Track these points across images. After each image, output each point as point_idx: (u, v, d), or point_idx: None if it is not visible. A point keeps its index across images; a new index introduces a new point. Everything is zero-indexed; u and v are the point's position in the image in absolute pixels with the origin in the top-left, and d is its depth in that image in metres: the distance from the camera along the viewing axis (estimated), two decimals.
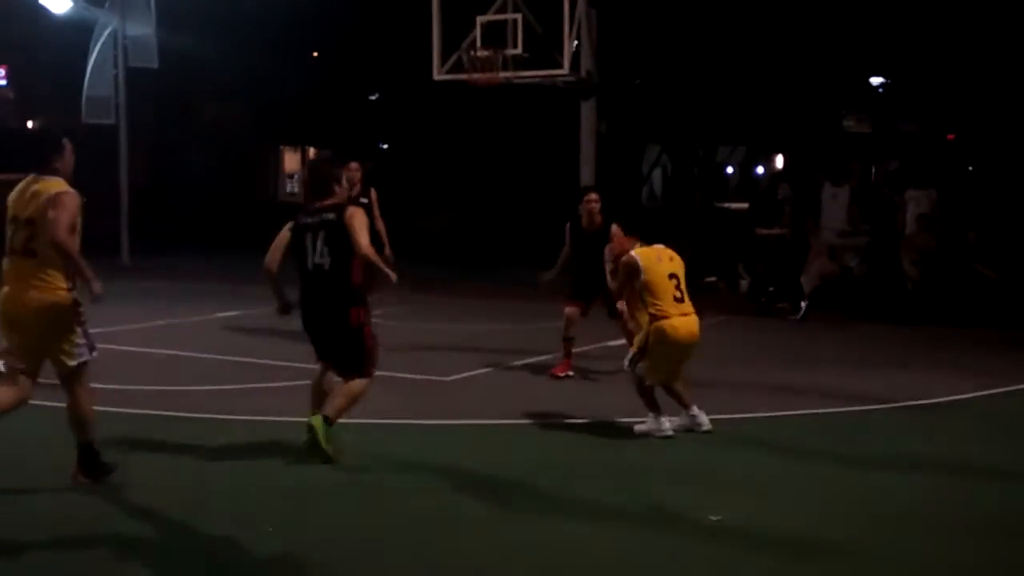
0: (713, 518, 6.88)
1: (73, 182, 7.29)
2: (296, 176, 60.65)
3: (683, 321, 8.93)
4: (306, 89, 39.86)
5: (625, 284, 9.24)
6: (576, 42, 17.94)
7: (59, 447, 7.60)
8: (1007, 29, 24.12)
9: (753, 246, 18.71)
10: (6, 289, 7.17)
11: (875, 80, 32.30)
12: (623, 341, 10.84)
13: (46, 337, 7.10)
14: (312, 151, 58.64)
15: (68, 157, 7.35)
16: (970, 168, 27.87)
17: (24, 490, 7.44)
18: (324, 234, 7.95)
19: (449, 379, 11.34)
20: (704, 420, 9.10)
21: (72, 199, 7.08)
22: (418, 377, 11.35)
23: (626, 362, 9.16)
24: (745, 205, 25.97)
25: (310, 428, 7.87)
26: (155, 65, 24.07)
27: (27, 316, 7.06)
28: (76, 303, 7.11)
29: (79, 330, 7.15)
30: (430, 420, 9.63)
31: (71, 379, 7.23)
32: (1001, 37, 24.42)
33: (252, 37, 35.84)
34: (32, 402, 7.40)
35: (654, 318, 8.91)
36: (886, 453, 8.58)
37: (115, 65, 24.15)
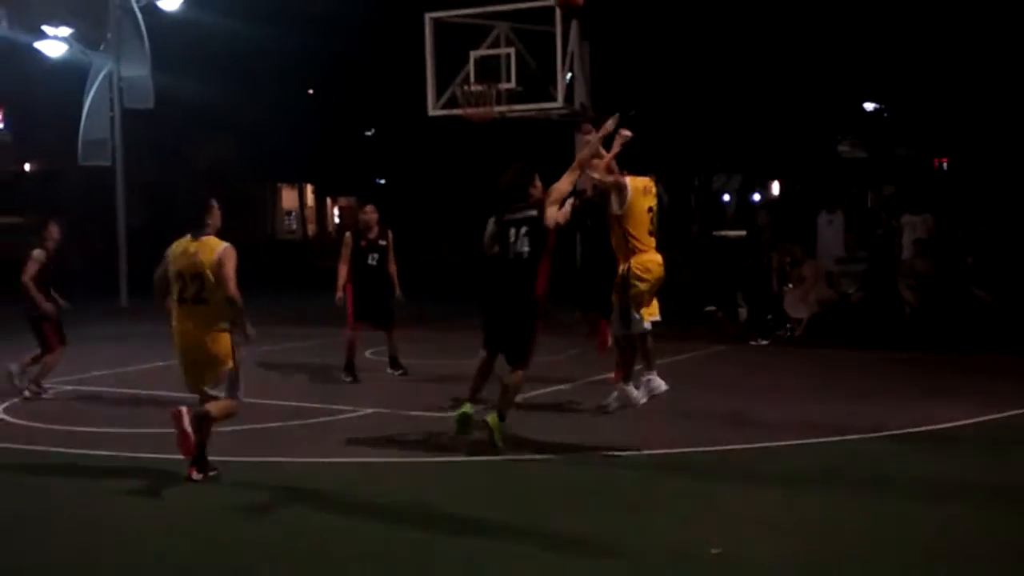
0: (714, 551, 6.85)
1: (221, 231, 8.81)
2: (294, 214, 60.78)
3: (655, 255, 9.51)
4: (302, 127, 40.02)
5: (617, 202, 9.39)
6: (570, 75, 18.01)
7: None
8: (1000, 54, 24.23)
9: (748, 276, 18.73)
10: (179, 328, 8.60)
11: (869, 106, 32.41)
12: (611, 374, 10.86)
13: (204, 364, 8.54)
14: (309, 188, 58.96)
15: (216, 213, 8.80)
16: (967, 192, 27.92)
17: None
18: (526, 228, 9.34)
19: (450, 415, 11.30)
20: (659, 383, 9.61)
21: (232, 254, 8.58)
22: (415, 414, 11.34)
23: (621, 329, 9.48)
24: (743, 233, 26.00)
25: (486, 424, 9.29)
26: (151, 106, 24.14)
27: (197, 349, 8.53)
28: (234, 344, 8.56)
29: (229, 367, 8.53)
30: (428, 458, 9.60)
31: (208, 400, 8.56)
32: (994, 61, 24.54)
33: (248, 77, 36.03)
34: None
35: (631, 252, 9.34)
36: (886, 481, 8.53)
37: (111, 107, 24.22)
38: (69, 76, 26.31)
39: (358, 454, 9.64)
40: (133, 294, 23.97)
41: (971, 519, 7.59)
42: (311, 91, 42.23)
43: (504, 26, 17.78)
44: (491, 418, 9.37)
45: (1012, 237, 19.29)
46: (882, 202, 31.39)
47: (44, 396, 12.72)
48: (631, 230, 9.18)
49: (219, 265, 8.47)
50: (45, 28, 26.43)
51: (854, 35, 25.52)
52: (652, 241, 9.33)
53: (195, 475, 8.51)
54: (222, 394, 8.58)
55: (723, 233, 34.27)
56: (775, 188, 40.84)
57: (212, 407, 8.52)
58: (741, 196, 42.22)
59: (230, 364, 8.57)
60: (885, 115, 32.74)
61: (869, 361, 14.89)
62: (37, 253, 12.81)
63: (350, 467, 9.31)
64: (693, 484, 8.63)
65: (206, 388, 8.57)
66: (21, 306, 12.81)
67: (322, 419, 11.20)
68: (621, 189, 9.21)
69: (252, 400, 12.21)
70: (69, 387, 13.43)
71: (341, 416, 11.30)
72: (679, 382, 12.22)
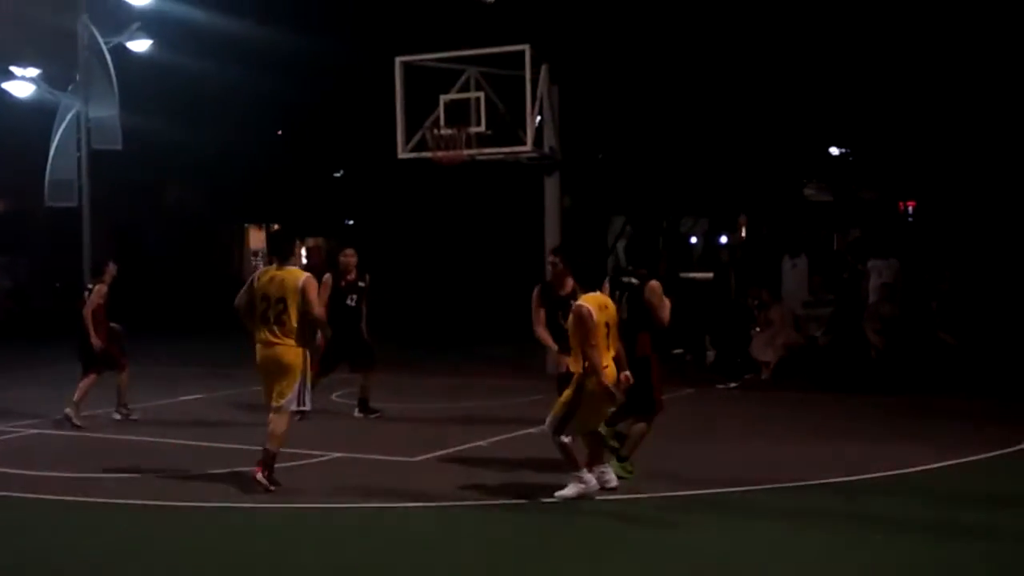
0: None
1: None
2: (261, 254, 60.50)
3: (611, 370, 9.22)
4: (271, 167, 39.95)
5: (580, 334, 9.20)
6: (539, 118, 18.08)
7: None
8: (964, 98, 24.54)
9: (716, 318, 18.82)
10: (260, 348, 9.86)
11: (834, 150, 32.73)
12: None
13: (279, 375, 9.78)
14: (275, 227, 58.79)
15: (298, 248, 8.97)
16: (933, 236, 28.21)
17: None
18: (628, 294, 10.12)
19: (416, 459, 11.28)
20: (612, 478, 9.48)
21: (313, 283, 9.96)
22: (384, 458, 11.30)
23: (550, 429, 9.22)
24: (710, 275, 26.11)
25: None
26: (119, 147, 24.01)
27: (275, 363, 9.80)
28: (306, 358, 9.83)
29: (299, 383, 9.76)
30: (395, 503, 9.55)
31: (276, 411, 9.82)
32: (958, 105, 24.84)
33: (216, 117, 35.98)
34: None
35: (587, 368, 9.09)
36: (850, 526, 8.56)
37: (78, 148, 24.10)
38: (36, 116, 26.18)
39: (320, 500, 9.59)
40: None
41: (943, 566, 7.61)
42: (279, 132, 42.19)
43: (474, 70, 17.86)
44: (614, 464, 9.86)
45: (977, 281, 19.46)
46: (848, 246, 31.64)
47: (132, 417, 13.85)
48: (589, 349, 9.12)
49: (303, 292, 9.75)
50: (13, 68, 26.34)
51: (819, 80, 25.79)
52: (608, 354, 9.24)
53: (259, 476, 9.77)
54: (291, 401, 9.78)
55: (690, 275, 34.41)
56: (742, 231, 41.08)
57: (271, 442, 9.80)
58: (708, 238, 42.45)
59: (298, 378, 9.77)
60: (850, 159, 33.06)
61: (836, 404, 14.94)
62: (99, 288, 13.83)
63: (311, 512, 9.26)
64: (661, 529, 8.62)
65: (273, 402, 9.81)
66: (80, 336, 13.80)
67: (288, 464, 11.12)
68: (586, 319, 9.12)
69: (218, 444, 12.20)
70: (34, 430, 13.30)
71: (308, 461, 11.23)
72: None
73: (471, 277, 35.72)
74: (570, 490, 9.22)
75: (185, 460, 11.39)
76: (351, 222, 46.56)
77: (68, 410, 13.53)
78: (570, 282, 10.44)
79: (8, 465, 11.14)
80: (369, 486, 10.05)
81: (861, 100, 26.07)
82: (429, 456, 11.40)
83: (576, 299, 9.74)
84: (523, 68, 17.48)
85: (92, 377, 13.77)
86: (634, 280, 10.27)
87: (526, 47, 17.43)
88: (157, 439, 12.73)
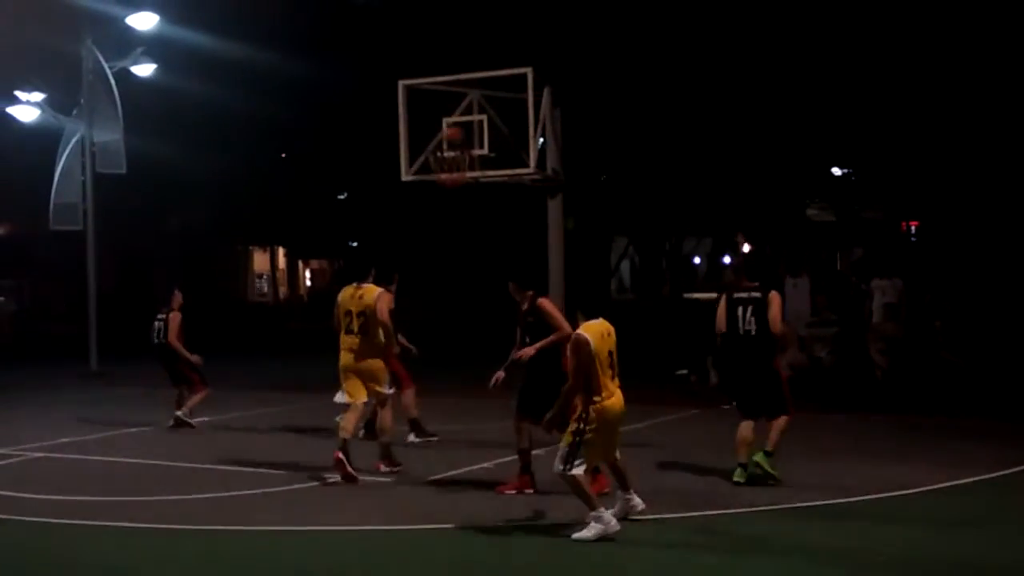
0: None
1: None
2: (265, 276, 60.57)
3: (617, 398, 9.04)
4: (275, 190, 40.05)
5: (575, 363, 8.98)
6: (542, 140, 18.16)
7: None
8: (967, 118, 24.61)
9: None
10: (345, 354, 11.39)
11: (837, 170, 32.81)
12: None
13: (369, 381, 11.36)
14: (281, 251, 58.93)
15: (372, 272, 11.68)
16: (936, 255, 28.22)
17: None
18: (752, 307, 10.62)
19: (422, 481, 11.27)
20: (638, 502, 9.31)
21: (387, 296, 11.63)
22: (387, 480, 11.30)
23: (559, 465, 8.85)
24: (714, 295, 26.14)
25: (756, 464, 10.52)
26: (123, 170, 24.10)
27: (359, 369, 11.36)
28: (386, 362, 11.53)
29: (388, 377, 11.58)
30: (399, 525, 9.56)
31: (382, 404, 11.60)
32: (961, 126, 24.91)
33: (219, 140, 36.09)
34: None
35: (590, 395, 8.87)
36: (855, 546, 8.55)
37: (83, 172, 24.17)
38: (41, 141, 26.29)
39: (326, 522, 9.59)
40: (103, 358, 23.78)
41: None
42: (283, 155, 42.33)
43: (476, 93, 17.94)
44: (759, 456, 10.54)
45: (980, 301, 19.48)
46: (851, 266, 31.66)
47: (172, 423, 14.90)
48: (591, 377, 8.91)
49: (376, 304, 11.29)
50: (17, 93, 26.48)
51: (821, 101, 25.88)
52: (612, 383, 9.01)
53: (382, 467, 11.46)
54: (387, 389, 11.55)
55: (694, 295, 34.44)
56: (741, 249, 41.17)
57: (383, 422, 11.57)
58: (712, 259, 42.54)
59: (386, 373, 11.53)
60: (853, 179, 33.14)
61: (840, 424, 14.93)
62: (175, 316, 15.29)
63: (320, 534, 9.27)
64: (666, 551, 8.61)
65: (377, 388, 11.41)
66: (163, 364, 15.37)
67: (295, 486, 11.14)
68: (585, 348, 8.91)
69: (210, 466, 12.21)
70: (40, 453, 13.32)
71: (314, 484, 11.24)
72: (653, 447, 12.28)
73: (476, 298, 35.76)
74: (589, 531, 8.74)
75: (174, 483, 11.40)
76: (355, 244, 46.67)
77: (179, 413, 14.88)
78: (527, 297, 10.65)
79: (12, 489, 11.16)
80: (377, 508, 10.05)
81: (863, 120, 26.16)
82: (435, 478, 11.40)
83: (535, 313, 10.42)
84: (526, 91, 17.56)
85: (201, 391, 15.12)
86: (756, 293, 10.72)
87: (528, 70, 17.51)
88: (172, 463, 12.72)
